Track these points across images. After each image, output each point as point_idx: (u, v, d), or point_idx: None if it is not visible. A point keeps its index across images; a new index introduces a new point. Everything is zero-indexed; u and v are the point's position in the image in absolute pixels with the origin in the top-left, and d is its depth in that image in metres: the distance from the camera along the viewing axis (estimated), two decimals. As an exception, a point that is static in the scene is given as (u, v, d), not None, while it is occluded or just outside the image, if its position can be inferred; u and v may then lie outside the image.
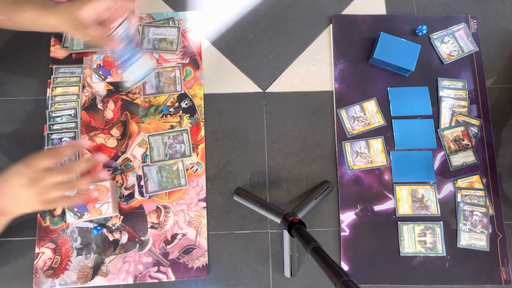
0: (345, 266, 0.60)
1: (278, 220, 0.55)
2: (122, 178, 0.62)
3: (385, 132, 0.64)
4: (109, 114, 0.64)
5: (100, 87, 0.65)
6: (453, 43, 0.67)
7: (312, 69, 0.67)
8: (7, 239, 0.59)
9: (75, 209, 0.57)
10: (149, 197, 0.61)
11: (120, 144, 0.63)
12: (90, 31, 0.48)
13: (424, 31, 0.67)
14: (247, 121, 0.65)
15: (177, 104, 0.64)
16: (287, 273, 0.59)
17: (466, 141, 0.63)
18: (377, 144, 0.63)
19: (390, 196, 0.62)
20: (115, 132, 0.63)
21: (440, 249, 0.59)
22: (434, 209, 0.61)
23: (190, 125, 0.64)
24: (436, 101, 0.65)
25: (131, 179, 0.62)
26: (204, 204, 0.61)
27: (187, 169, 0.62)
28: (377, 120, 0.64)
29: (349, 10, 0.70)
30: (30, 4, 0.49)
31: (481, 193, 0.61)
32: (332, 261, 0.40)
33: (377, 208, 0.61)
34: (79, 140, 0.57)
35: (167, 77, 0.65)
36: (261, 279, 0.59)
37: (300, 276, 0.60)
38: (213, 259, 0.60)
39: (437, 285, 0.59)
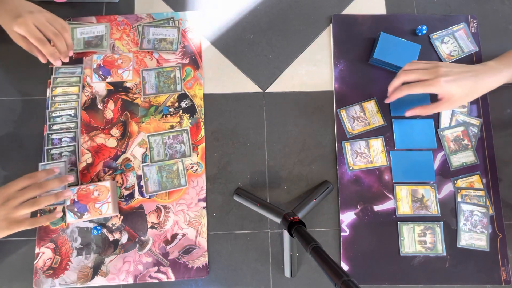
0: (345, 266, 0.60)
1: (278, 220, 0.55)
2: (122, 178, 0.62)
3: (385, 132, 0.64)
4: (109, 114, 0.64)
5: (100, 87, 0.65)
6: (453, 43, 0.67)
7: (312, 69, 0.67)
8: (7, 239, 0.59)
9: (75, 209, 0.57)
10: (149, 197, 0.61)
11: (120, 144, 0.63)
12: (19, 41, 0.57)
13: (424, 31, 0.67)
14: (247, 121, 0.65)
15: (177, 104, 0.64)
16: (287, 273, 0.59)
17: (466, 141, 0.63)
18: (377, 144, 0.63)
19: (390, 196, 0.62)
20: (115, 132, 0.63)
21: (440, 249, 0.59)
22: (434, 209, 0.61)
23: (190, 125, 0.64)
24: (436, 101, 0.65)
25: (131, 179, 0.62)
26: (204, 204, 0.61)
27: (187, 169, 0.62)
28: (377, 120, 0.64)
29: (349, 10, 0.70)
30: None
31: (481, 193, 0.61)
32: (332, 261, 0.40)
33: (377, 208, 0.61)
34: (67, 174, 0.60)
35: (167, 77, 0.65)
36: (261, 279, 0.59)
37: (300, 276, 0.60)
38: (213, 259, 0.60)
39: (437, 285, 0.59)
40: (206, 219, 0.61)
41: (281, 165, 0.63)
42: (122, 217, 0.60)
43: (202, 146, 0.63)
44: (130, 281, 0.58)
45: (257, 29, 0.69)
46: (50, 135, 0.62)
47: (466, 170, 0.63)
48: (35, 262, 0.58)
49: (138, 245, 0.60)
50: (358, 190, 0.62)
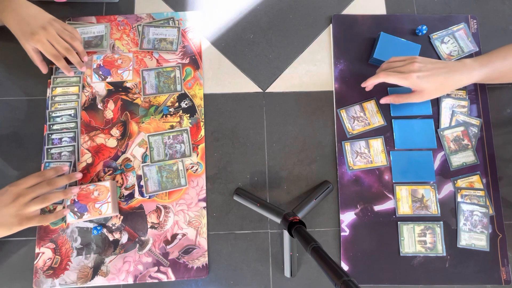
0: (345, 266, 0.60)
1: (278, 220, 0.55)
2: (122, 178, 0.62)
3: (385, 132, 0.64)
4: (109, 114, 0.64)
5: (100, 87, 0.65)
6: (453, 43, 0.67)
7: (312, 69, 0.67)
8: (7, 239, 0.59)
9: (75, 209, 0.57)
10: (149, 197, 0.61)
11: (120, 144, 0.63)
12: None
13: (424, 31, 0.67)
14: (247, 121, 0.65)
15: (177, 104, 0.64)
16: (287, 273, 0.59)
17: (466, 141, 0.63)
18: (377, 144, 0.63)
19: (390, 196, 0.62)
20: (115, 132, 0.63)
21: (440, 249, 0.59)
22: (434, 209, 0.61)
23: (190, 125, 0.64)
24: (436, 101, 0.65)
25: (131, 179, 0.62)
26: (204, 204, 0.61)
27: (187, 169, 0.62)
28: (377, 120, 0.64)
29: (349, 10, 0.70)
30: None
31: (481, 193, 0.61)
32: (332, 261, 0.40)
33: (377, 208, 0.61)
34: (74, 171, 0.61)
35: (167, 77, 0.65)
36: (261, 279, 0.59)
37: (300, 276, 0.60)
38: (213, 259, 0.60)
39: (437, 285, 0.59)
40: (206, 219, 0.61)
41: (281, 165, 0.63)
42: (122, 217, 0.60)
43: (202, 146, 0.63)
44: (130, 281, 0.58)
45: (257, 29, 0.69)
46: (50, 135, 0.62)
47: (466, 170, 0.63)
48: (35, 262, 0.58)
49: (138, 245, 0.60)
50: (358, 190, 0.62)
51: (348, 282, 0.36)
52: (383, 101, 0.62)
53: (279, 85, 0.66)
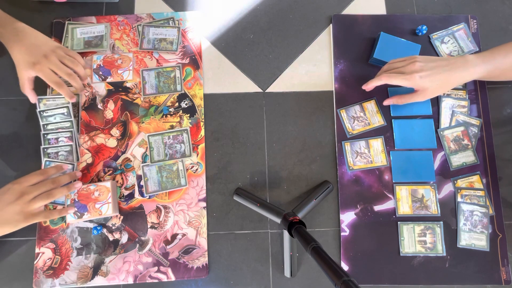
0: (345, 266, 0.60)
1: (278, 220, 0.55)
2: (122, 178, 0.62)
3: (385, 132, 0.64)
4: (109, 114, 0.64)
5: (100, 87, 0.65)
6: (453, 43, 0.67)
7: (312, 69, 0.67)
8: (7, 239, 0.59)
9: (75, 209, 0.57)
10: (149, 197, 0.61)
11: (120, 144, 0.63)
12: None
13: (424, 31, 0.67)
14: (247, 121, 0.65)
15: (177, 104, 0.64)
16: (287, 273, 0.59)
17: (466, 141, 0.63)
18: (377, 144, 0.63)
19: (390, 196, 0.62)
20: (115, 132, 0.63)
21: (440, 249, 0.59)
22: (434, 209, 0.61)
23: (190, 125, 0.64)
24: (436, 101, 0.65)
25: (131, 179, 0.62)
26: (204, 204, 0.61)
27: (187, 169, 0.62)
28: (377, 120, 0.64)
29: (349, 10, 0.70)
30: (5, 27, 0.58)
31: (481, 193, 0.61)
32: (332, 261, 0.40)
33: (377, 208, 0.61)
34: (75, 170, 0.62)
35: (167, 77, 0.65)
36: (261, 279, 0.59)
37: (300, 276, 0.60)
38: (213, 259, 0.60)
39: (437, 285, 0.59)
40: (206, 219, 0.61)
41: (281, 165, 0.63)
42: (122, 217, 0.60)
43: (202, 146, 0.63)
44: (130, 281, 0.58)
45: (257, 29, 0.69)
46: (45, 135, 0.62)
47: (466, 170, 0.63)
48: (35, 262, 0.58)
49: (138, 245, 0.60)
50: (358, 190, 0.62)
51: (348, 282, 0.36)
52: (386, 103, 0.62)
53: (279, 85, 0.66)
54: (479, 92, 0.65)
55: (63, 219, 0.60)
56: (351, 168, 0.63)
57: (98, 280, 0.58)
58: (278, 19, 0.69)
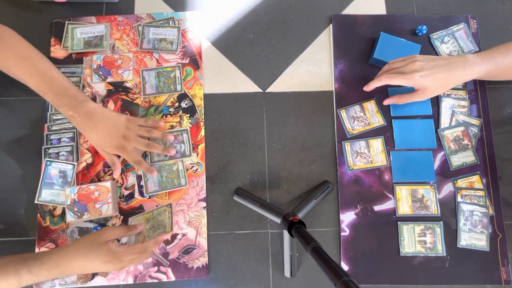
0: (345, 266, 0.60)
1: (278, 220, 0.55)
2: (122, 178, 0.62)
3: (385, 132, 0.64)
4: (109, 114, 0.64)
5: (100, 87, 0.65)
6: (453, 43, 0.67)
7: (312, 69, 0.67)
8: (7, 239, 0.59)
9: (75, 209, 0.57)
10: (149, 197, 0.61)
11: (120, 144, 0.62)
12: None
13: (424, 31, 0.67)
14: (247, 121, 0.65)
15: (177, 104, 0.64)
16: (287, 273, 0.59)
17: (466, 141, 0.63)
18: (377, 144, 0.63)
19: (390, 196, 0.62)
20: (115, 132, 0.63)
21: (440, 249, 0.59)
22: (434, 209, 0.61)
23: (190, 125, 0.64)
24: (436, 101, 0.65)
25: (131, 179, 0.62)
26: (204, 204, 0.61)
27: (187, 169, 0.62)
28: (377, 120, 0.64)
29: (349, 10, 0.70)
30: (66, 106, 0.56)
31: (481, 193, 0.61)
32: (332, 261, 0.40)
33: (377, 208, 0.61)
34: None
35: (167, 77, 0.65)
36: (261, 279, 0.59)
37: (300, 276, 0.60)
38: (213, 259, 0.60)
39: (437, 285, 0.59)
40: (206, 219, 0.61)
41: (281, 165, 0.63)
42: (122, 217, 0.60)
43: (202, 146, 0.63)
44: (130, 281, 0.58)
45: (257, 29, 0.69)
46: (49, 136, 0.62)
47: (466, 170, 0.63)
48: (35, 262, 0.58)
49: (138, 245, 0.59)
50: (358, 190, 0.62)
51: (348, 282, 0.36)
52: (386, 102, 0.62)
53: (279, 85, 0.66)
54: (479, 92, 0.65)
55: (63, 219, 0.60)
56: (351, 168, 0.63)
57: (98, 280, 0.58)
58: (278, 19, 0.69)
